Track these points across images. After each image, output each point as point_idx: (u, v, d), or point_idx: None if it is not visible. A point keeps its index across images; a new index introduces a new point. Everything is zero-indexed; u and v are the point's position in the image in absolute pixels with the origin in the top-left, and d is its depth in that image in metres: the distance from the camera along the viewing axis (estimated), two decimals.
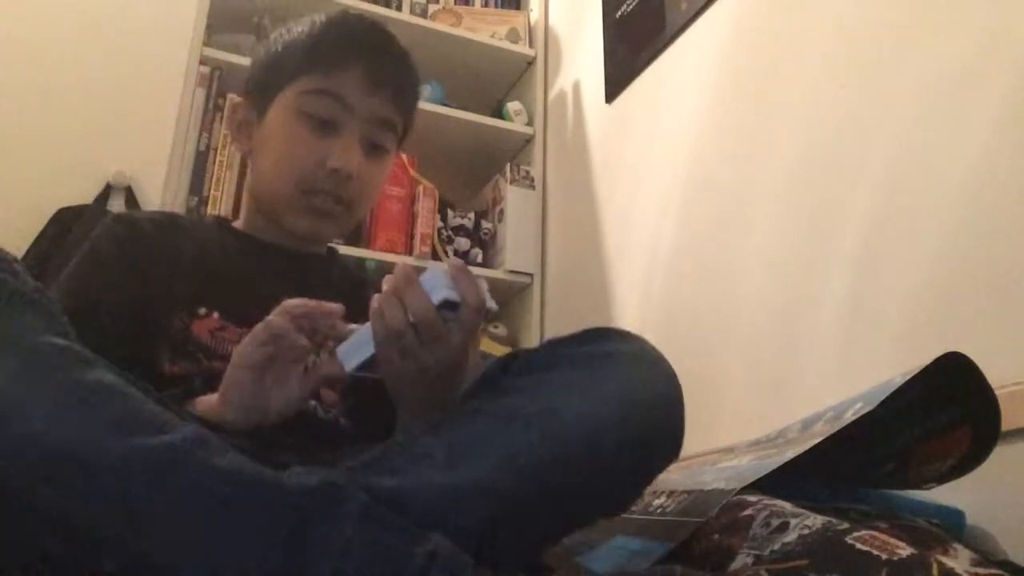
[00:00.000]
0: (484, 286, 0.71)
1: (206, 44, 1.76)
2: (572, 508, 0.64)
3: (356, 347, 0.71)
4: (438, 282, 0.68)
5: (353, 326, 0.73)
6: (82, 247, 0.89)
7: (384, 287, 0.69)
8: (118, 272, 0.86)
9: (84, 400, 0.53)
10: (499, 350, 1.80)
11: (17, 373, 0.52)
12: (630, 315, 1.59)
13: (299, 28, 0.95)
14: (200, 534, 0.51)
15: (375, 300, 0.70)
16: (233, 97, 1.76)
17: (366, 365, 0.71)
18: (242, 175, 1.72)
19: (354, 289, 0.96)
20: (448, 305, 0.68)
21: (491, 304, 0.71)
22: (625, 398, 0.65)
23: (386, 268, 1.69)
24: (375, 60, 0.93)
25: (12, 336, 0.54)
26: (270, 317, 0.71)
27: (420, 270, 0.70)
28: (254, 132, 0.96)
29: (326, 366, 0.74)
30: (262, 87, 0.96)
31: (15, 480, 0.50)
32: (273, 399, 0.71)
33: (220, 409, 0.70)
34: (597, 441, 0.63)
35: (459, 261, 0.71)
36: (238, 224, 1.01)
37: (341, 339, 0.73)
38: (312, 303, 0.72)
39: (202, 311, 0.85)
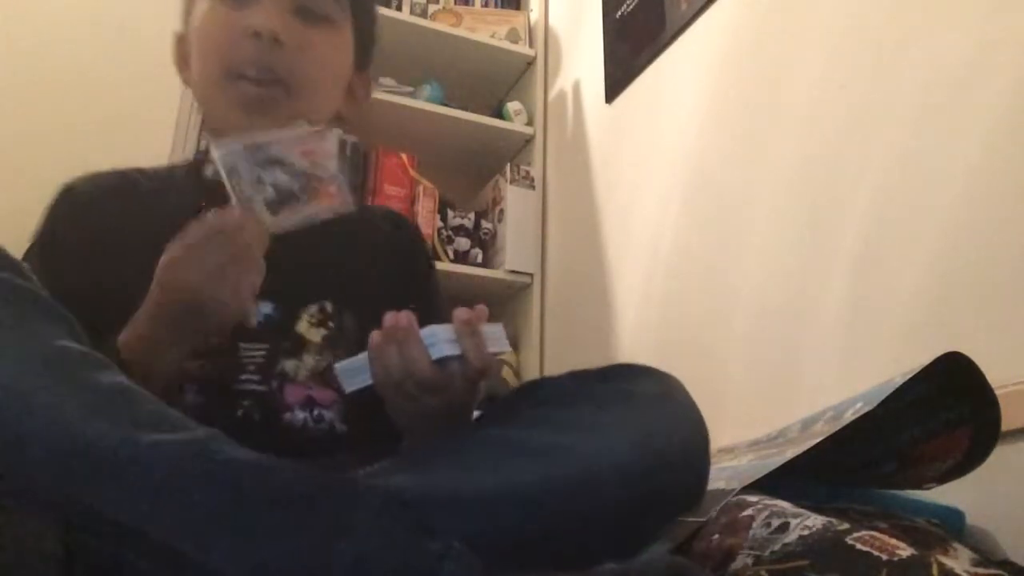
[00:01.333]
0: (498, 330, 0.68)
1: None
2: (570, 548, 0.61)
3: (357, 370, 0.69)
4: (439, 337, 0.66)
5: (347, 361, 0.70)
6: (33, 236, 0.84)
7: (384, 322, 0.67)
8: (67, 261, 0.82)
9: (111, 399, 0.54)
10: None
11: (42, 372, 0.53)
12: (630, 315, 1.59)
13: None
14: (220, 520, 0.51)
15: (373, 338, 0.67)
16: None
17: (365, 390, 0.69)
18: None
19: (365, 237, 0.92)
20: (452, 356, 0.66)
21: (503, 348, 0.68)
22: (639, 444, 0.62)
23: None
24: None
25: (36, 338, 0.55)
26: (212, 218, 0.67)
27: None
28: (189, 53, 0.91)
29: (253, 224, 0.69)
30: (186, 5, 0.92)
31: (47, 475, 0.50)
32: (243, 287, 0.69)
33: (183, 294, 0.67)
34: (600, 486, 0.60)
35: (465, 315, 0.66)
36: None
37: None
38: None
39: None
